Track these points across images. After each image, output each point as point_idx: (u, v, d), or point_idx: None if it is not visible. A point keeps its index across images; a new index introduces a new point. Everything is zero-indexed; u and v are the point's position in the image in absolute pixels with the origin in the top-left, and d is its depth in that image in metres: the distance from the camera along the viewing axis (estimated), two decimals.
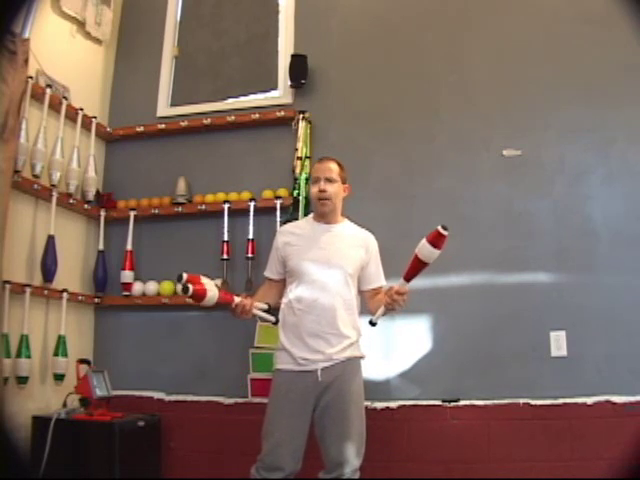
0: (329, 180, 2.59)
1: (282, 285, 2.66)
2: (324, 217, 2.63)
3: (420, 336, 3.19)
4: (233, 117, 3.61)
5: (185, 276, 2.31)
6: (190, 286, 2.27)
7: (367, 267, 2.63)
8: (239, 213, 3.46)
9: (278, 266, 2.64)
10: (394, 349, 3.20)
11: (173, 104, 3.89)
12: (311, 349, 2.46)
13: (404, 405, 3.11)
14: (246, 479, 2.46)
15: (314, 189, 2.61)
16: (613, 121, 3.18)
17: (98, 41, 3.83)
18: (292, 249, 2.59)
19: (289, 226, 2.78)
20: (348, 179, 2.70)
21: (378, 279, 2.65)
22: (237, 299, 2.43)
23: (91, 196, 3.54)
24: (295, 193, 3.35)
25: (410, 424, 3.07)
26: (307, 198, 3.32)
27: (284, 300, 2.59)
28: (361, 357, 2.59)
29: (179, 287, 3.15)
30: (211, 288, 2.35)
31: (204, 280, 2.38)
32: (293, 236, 2.64)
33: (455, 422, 3.06)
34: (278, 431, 2.42)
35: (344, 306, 2.52)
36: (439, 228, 2.16)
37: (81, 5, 3.61)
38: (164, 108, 3.87)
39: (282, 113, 3.53)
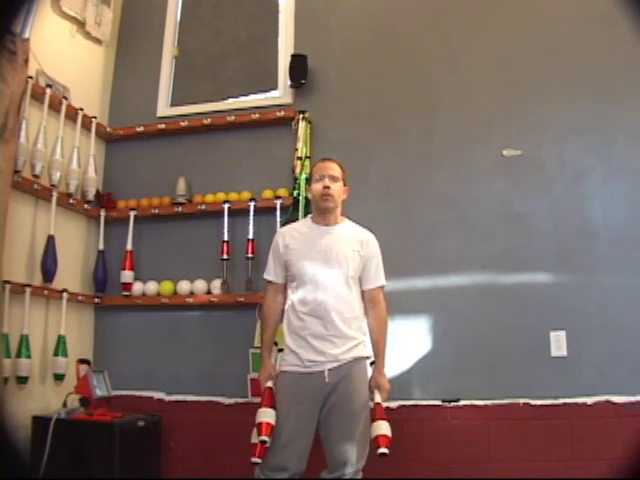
0: (333, 178, 2.60)
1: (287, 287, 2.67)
2: (325, 216, 2.62)
3: (420, 336, 3.19)
4: (233, 117, 3.61)
5: (265, 438, 2.39)
6: (268, 440, 2.38)
7: (366, 267, 2.62)
8: (239, 213, 3.46)
9: (282, 270, 2.63)
10: (394, 349, 3.19)
11: (173, 104, 3.89)
12: (317, 351, 2.46)
13: (404, 405, 3.11)
14: (246, 479, 2.46)
15: (317, 186, 2.59)
16: (613, 120, 3.18)
17: (98, 41, 3.82)
18: (293, 252, 2.58)
19: (288, 228, 2.76)
20: (348, 179, 2.70)
21: (376, 279, 2.64)
22: (270, 383, 2.56)
23: (91, 196, 3.54)
24: (295, 193, 3.35)
25: (410, 424, 3.07)
26: (307, 198, 3.32)
27: (288, 302, 2.60)
28: (367, 357, 2.59)
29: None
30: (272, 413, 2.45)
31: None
32: (293, 239, 2.62)
33: (455, 422, 3.06)
34: (285, 433, 2.41)
35: (347, 308, 2.52)
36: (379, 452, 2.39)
37: (81, 5, 3.61)
38: (164, 108, 3.87)
39: (282, 113, 3.53)
